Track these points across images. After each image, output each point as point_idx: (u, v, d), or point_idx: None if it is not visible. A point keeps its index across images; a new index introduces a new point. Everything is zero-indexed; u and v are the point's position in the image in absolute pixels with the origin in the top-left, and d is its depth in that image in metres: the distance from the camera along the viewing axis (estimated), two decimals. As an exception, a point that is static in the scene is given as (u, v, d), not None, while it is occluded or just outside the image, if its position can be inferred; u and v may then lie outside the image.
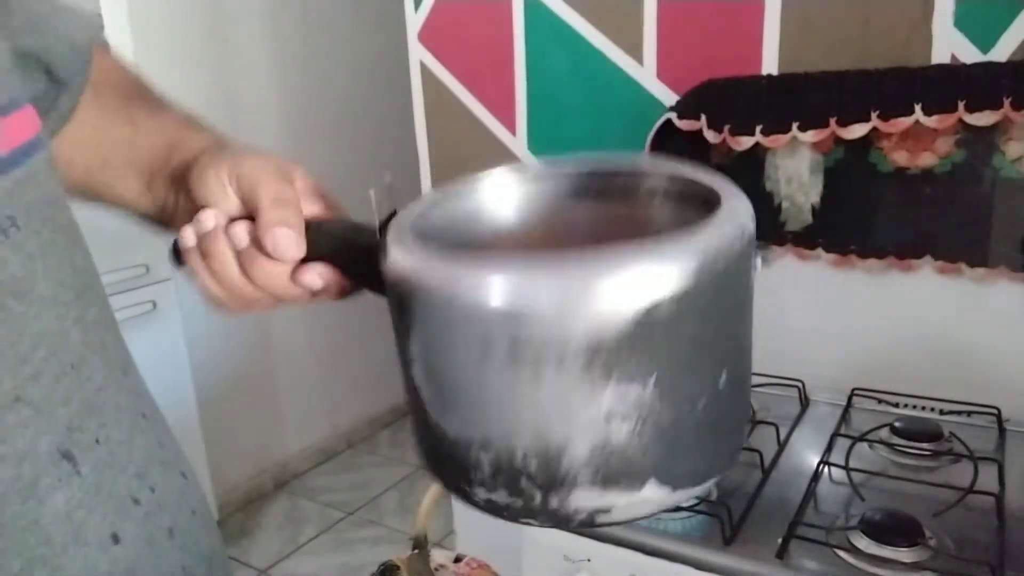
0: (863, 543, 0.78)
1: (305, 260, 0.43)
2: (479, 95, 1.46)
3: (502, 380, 0.37)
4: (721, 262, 0.36)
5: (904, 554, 0.77)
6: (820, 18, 1.10)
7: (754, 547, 0.81)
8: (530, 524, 0.41)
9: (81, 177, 0.51)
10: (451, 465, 0.40)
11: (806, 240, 1.17)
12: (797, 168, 1.15)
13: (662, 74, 1.25)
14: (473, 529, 1.74)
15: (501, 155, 1.45)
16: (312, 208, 0.45)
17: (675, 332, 0.36)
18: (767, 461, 0.96)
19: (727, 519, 0.82)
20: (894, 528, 0.79)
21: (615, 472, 0.37)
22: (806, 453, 1.01)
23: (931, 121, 0.98)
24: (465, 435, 0.39)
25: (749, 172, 1.18)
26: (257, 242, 0.42)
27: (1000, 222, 1.04)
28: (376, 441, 2.96)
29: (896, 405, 1.12)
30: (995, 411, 1.06)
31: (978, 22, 1.01)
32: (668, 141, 1.13)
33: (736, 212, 0.39)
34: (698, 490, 0.41)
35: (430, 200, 0.45)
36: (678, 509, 0.87)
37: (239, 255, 0.43)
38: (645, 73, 1.27)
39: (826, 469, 0.95)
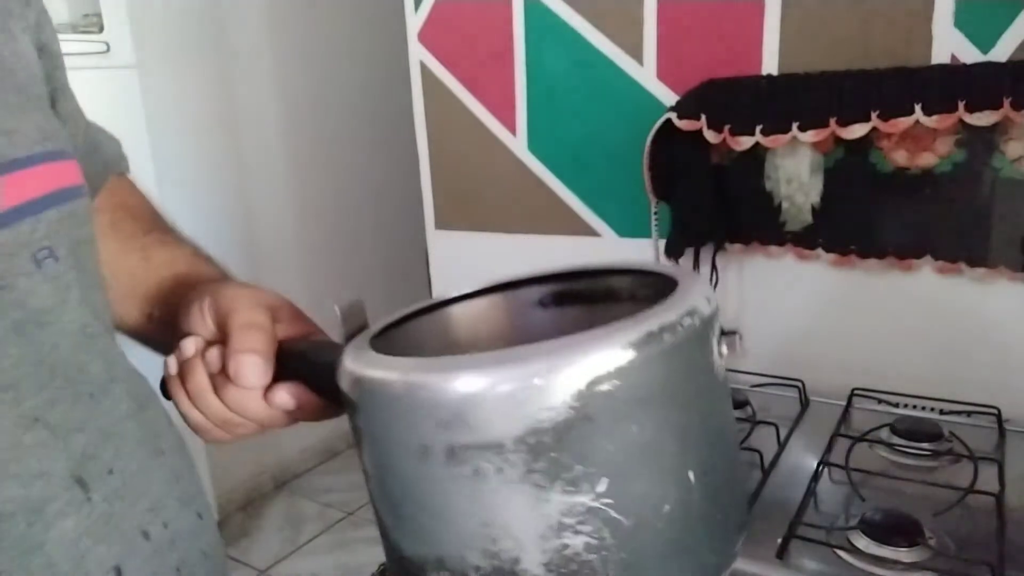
0: (863, 543, 0.78)
1: (280, 380, 0.43)
2: (479, 95, 1.46)
3: (444, 490, 0.34)
4: (667, 337, 0.33)
5: (904, 554, 0.76)
6: (820, 18, 1.10)
7: (754, 547, 0.81)
8: None
9: None
10: None
11: (806, 240, 1.17)
12: (797, 168, 1.15)
13: (662, 74, 1.25)
14: (473, 529, 1.74)
15: (501, 155, 1.45)
16: (293, 331, 0.45)
17: (622, 422, 0.33)
18: (767, 461, 0.96)
19: (727, 519, 0.82)
20: (894, 528, 0.79)
21: None
22: (806, 453, 1.01)
23: (931, 121, 0.98)
24: (420, 554, 0.36)
25: (749, 172, 1.18)
26: (225, 368, 0.42)
27: (1000, 222, 1.03)
28: (376, 441, 2.96)
29: (896, 405, 1.12)
30: (995, 411, 1.06)
31: (978, 22, 1.01)
32: (668, 141, 1.13)
33: (688, 294, 0.37)
34: None
35: (399, 315, 0.44)
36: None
37: (213, 380, 0.43)
38: (645, 73, 1.27)
39: (826, 469, 0.95)
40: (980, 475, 0.87)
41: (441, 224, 1.57)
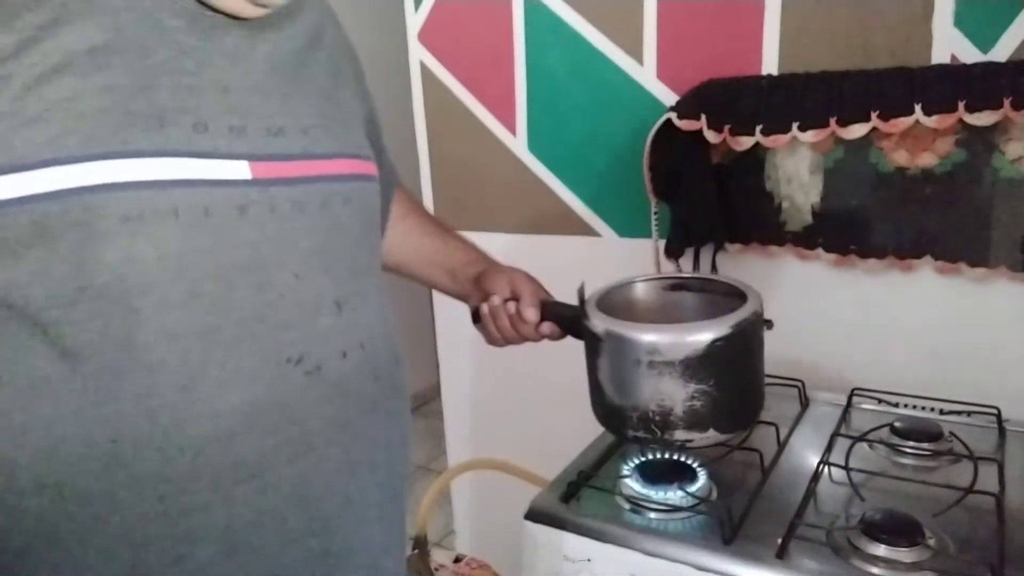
0: (863, 543, 0.78)
1: (543, 320, 0.87)
2: (479, 95, 1.46)
3: (644, 379, 0.83)
4: (745, 324, 0.82)
5: (904, 554, 0.76)
6: (820, 18, 1.10)
7: (754, 547, 0.81)
8: (654, 447, 0.90)
9: (397, 262, 0.94)
10: (616, 420, 0.88)
11: (806, 240, 1.17)
12: (797, 168, 1.15)
13: (662, 74, 1.25)
14: (473, 529, 1.74)
15: (501, 155, 1.45)
16: (543, 295, 0.90)
17: (724, 358, 0.82)
18: (767, 461, 0.96)
19: (727, 519, 0.82)
20: (894, 528, 0.79)
21: (694, 422, 0.83)
22: (806, 453, 1.01)
23: (931, 121, 0.98)
24: (627, 404, 0.85)
25: (749, 172, 1.18)
26: (519, 312, 0.87)
27: (1000, 222, 1.04)
28: (376, 441, 2.96)
29: (896, 405, 1.12)
30: (995, 411, 1.06)
31: (978, 22, 1.01)
32: (668, 141, 1.13)
33: (753, 303, 0.85)
34: (730, 434, 0.88)
35: (602, 291, 0.93)
36: (679, 509, 0.87)
37: (510, 317, 0.88)
38: (645, 73, 1.27)
39: (826, 469, 0.95)
40: (980, 475, 0.87)
41: (441, 224, 1.57)
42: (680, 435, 0.84)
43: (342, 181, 0.67)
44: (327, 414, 0.62)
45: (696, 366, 0.80)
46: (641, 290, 0.98)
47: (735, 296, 0.88)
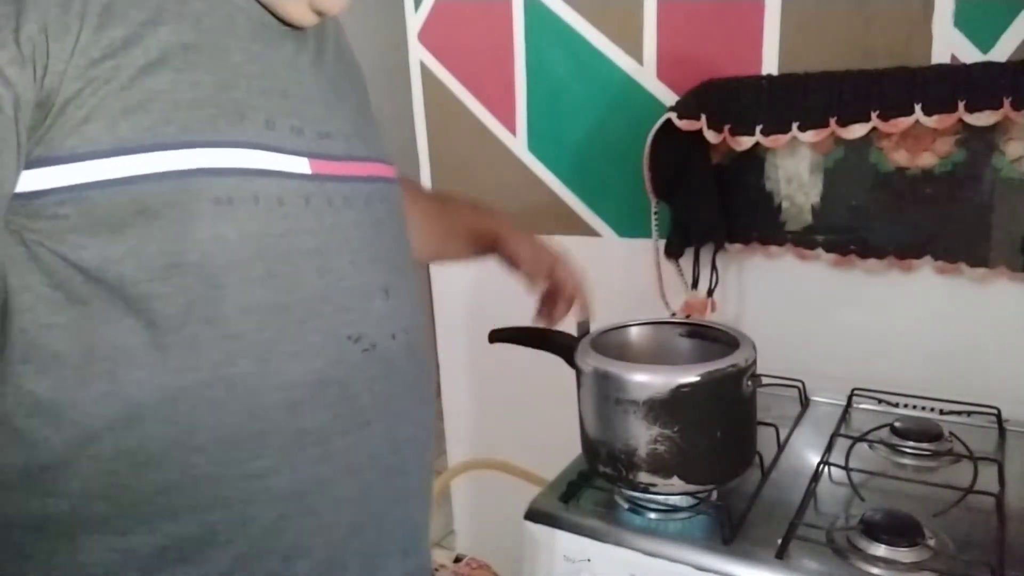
0: (863, 543, 0.78)
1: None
2: (479, 95, 1.46)
3: (613, 416, 0.84)
4: (716, 375, 0.81)
5: (904, 554, 0.76)
6: (820, 18, 1.10)
7: (754, 547, 0.81)
8: (619, 487, 0.89)
9: (426, 253, 0.97)
10: (591, 453, 0.90)
11: (806, 240, 1.17)
12: (797, 168, 1.15)
13: (662, 74, 1.25)
14: (473, 529, 1.74)
15: (501, 155, 1.45)
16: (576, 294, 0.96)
17: (691, 407, 0.81)
18: (767, 461, 0.96)
19: (727, 519, 0.83)
20: (894, 528, 0.79)
21: (657, 467, 0.83)
22: (806, 453, 1.01)
23: (931, 121, 0.98)
24: (598, 438, 0.87)
25: (749, 172, 1.18)
26: (548, 311, 0.94)
27: (1000, 222, 1.04)
28: (376, 441, 2.95)
29: (896, 405, 1.12)
30: (995, 411, 1.06)
31: (978, 22, 1.01)
32: (668, 141, 1.13)
33: (736, 357, 0.83)
34: (698, 486, 0.85)
35: (604, 328, 0.95)
36: (679, 509, 0.87)
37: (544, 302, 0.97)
38: (645, 73, 1.27)
39: (826, 469, 0.95)
40: (980, 475, 0.87)
41: (441, 224, 1.57)
42: (644, 478, 0.83)
43: (378, 182, 0.73)
44: (376, 390, 0.66)
45: (659, 410, 0.80)
46: (649, 332, 0.98)
47: (727, 341, 0.88)
